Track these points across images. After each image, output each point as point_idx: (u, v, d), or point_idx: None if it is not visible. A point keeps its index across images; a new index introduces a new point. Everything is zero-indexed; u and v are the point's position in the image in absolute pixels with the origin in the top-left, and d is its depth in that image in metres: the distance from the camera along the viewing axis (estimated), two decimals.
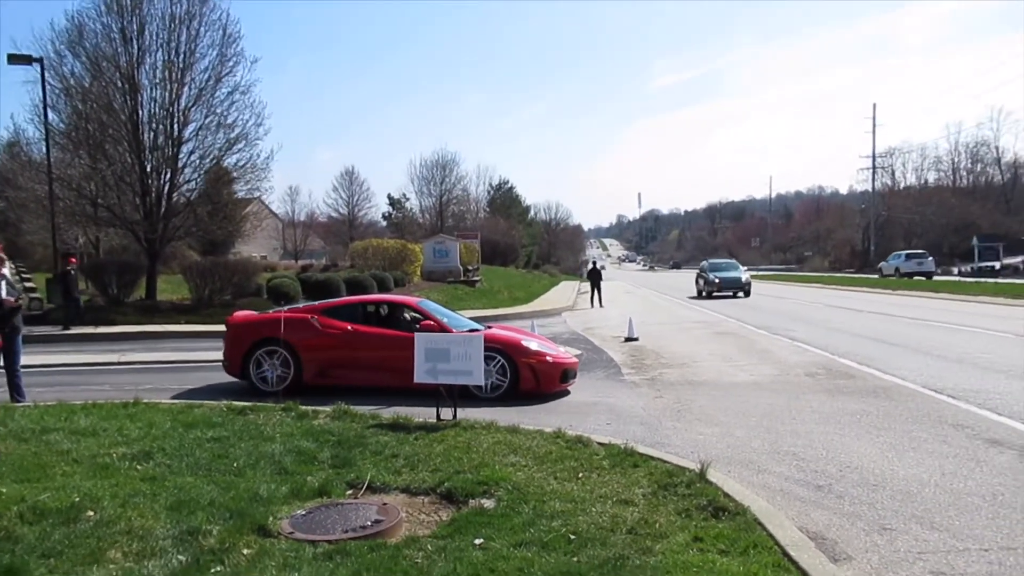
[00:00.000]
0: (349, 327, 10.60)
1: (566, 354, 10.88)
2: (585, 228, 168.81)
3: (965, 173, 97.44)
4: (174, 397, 9.95)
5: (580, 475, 5.85)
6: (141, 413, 7.98)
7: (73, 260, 21.66)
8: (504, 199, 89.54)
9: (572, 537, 4.54)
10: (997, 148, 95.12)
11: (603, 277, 33.41)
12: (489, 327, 11.49)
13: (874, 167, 78.58)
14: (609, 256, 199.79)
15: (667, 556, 4.25)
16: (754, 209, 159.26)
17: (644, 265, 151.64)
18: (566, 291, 41.95)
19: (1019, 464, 6.36)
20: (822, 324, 19.81)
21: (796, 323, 20.14)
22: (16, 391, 9.26)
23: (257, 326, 10.80)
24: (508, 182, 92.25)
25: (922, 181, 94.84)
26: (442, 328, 10.25)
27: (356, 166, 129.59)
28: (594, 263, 36.02)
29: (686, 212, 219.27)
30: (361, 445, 6.71)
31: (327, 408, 8.20)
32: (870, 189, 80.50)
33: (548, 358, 10.21)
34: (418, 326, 10.35)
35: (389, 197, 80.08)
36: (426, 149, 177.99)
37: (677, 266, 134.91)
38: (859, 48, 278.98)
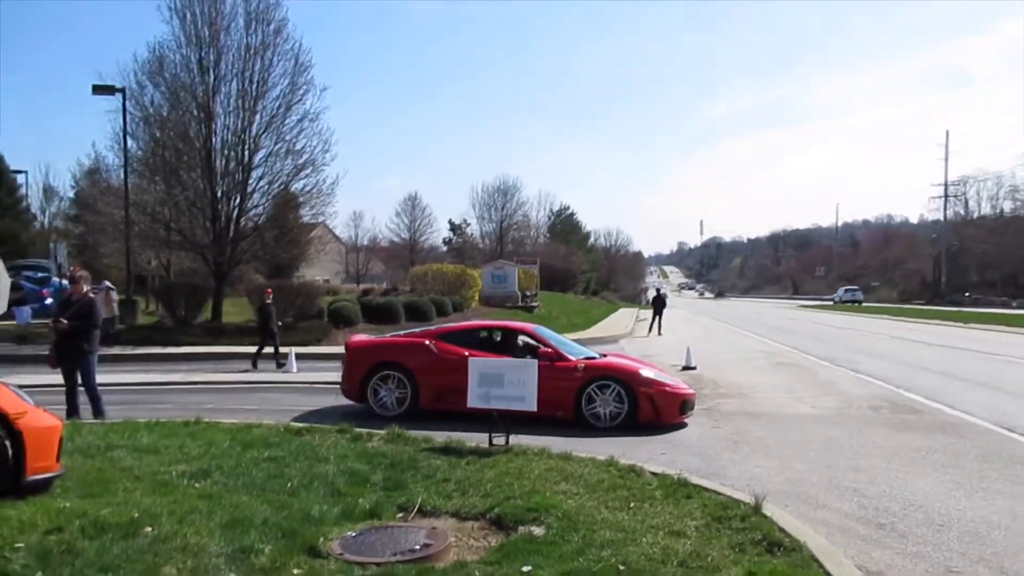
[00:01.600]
0: (466, 352, 10.32)
1: (684, 385, 10.56)
2: (645, 255, 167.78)
3: None
4: (233, 416, 10.19)
5: (632, 505, 5.77)
6: (202, 432, 8.17)
7: (269, 292, 19.45)
8: (564, 225, 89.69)
9: (621, 568, 4.48)
10: None
11: (667, 304, 33.09)
12: (605, 356, 11.26)
13: (946, 195, 76.43)
14: (669, 283, 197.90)
15: None
16: (819, 237, 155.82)
17: (699, 294, 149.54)
18: (624, 318, 41.64)
19: None
20: (887, 356, 19.24)
21: (860, 355, 19.59)
22: (87, 409, 9.57)
23: (375, 350, 10.92)
24: (568, 208, 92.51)
25: (997, 211, 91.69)
26: (557, 355, 10.24)
27: (419, 192, 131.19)
28: (658, 290, 35.72)
29: (749, 240, 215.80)
30: (413, 468, 6.75)
31: (381, 432, 8.28)
32: (942, 218, 78.16)
33: (667, 388, 9.99)
34: (535, 353, 10.30)
35: (450, 222, 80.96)
36: (488, 175, 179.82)
37: (721, 294, 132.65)
38: (928, 76, 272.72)
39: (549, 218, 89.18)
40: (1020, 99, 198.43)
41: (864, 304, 69.08)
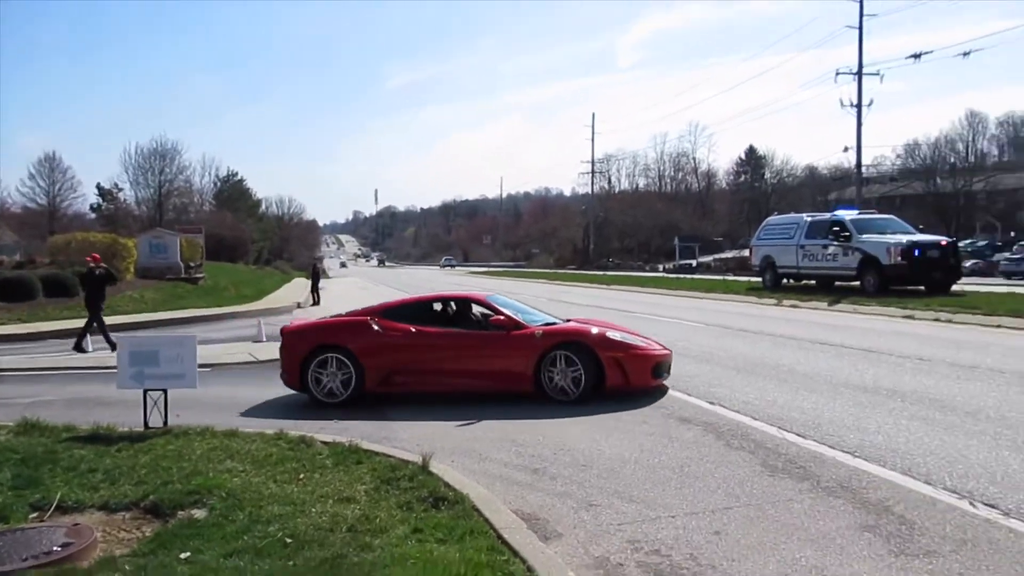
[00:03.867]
0: (412, 329, 9.50)
1: (656, 345, 9.74)
2: (321, 223, 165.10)
3: (669, 180, 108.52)
4: None
5: (301, 476, 5.69)
6: None
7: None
8: (232, 192, 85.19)
9: (289, 540, 4.39)
10: (694, 159, 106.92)
11: (327, 275, 33.36)
12: (569, 320, 10.45)
13: (593, 171, 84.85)
14: (345, 252, 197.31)
15: (385, 550, 4.25)
16: (487, 208, 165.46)
17: (379, 262, 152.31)
18: (299, 288, 40.74)
19: (703, 438, 7.15)
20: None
21: None
22: None
23: (312, 333, 9.74)
24: (237, 174, 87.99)
25: (634, 186, 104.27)
26: (515, 324, 9.39)
27: (60, 152, 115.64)
28: (315, 263, 35.87)
29: (422, 209, 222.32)
30: (51, 462, 6.00)
31: (9, 423, 7.24)
32: (590, 192, 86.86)
33: (636, 351, 9.26)
34: (488, 324, 9.52)
35: (99, 187, 72.92)
36: (143, 137, 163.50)
37: (383, 263, 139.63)
38: (583, 61, 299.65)
39: (215, 185, 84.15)
40: (654, 87, 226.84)
41: (524, 270, 74.83)
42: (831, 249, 23.77)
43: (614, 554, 4.54)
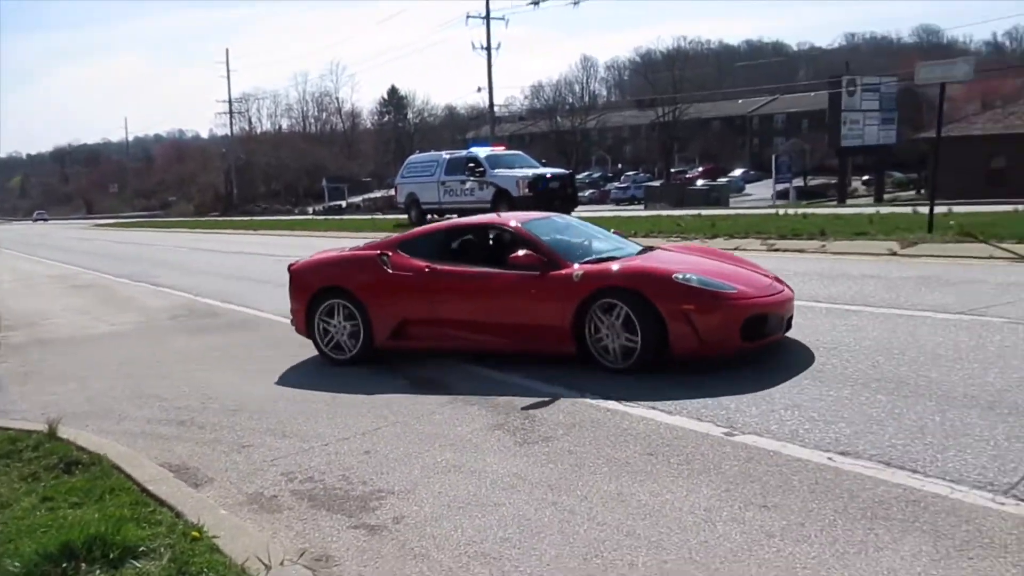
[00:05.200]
0: (425, 267, 7.28)
1: (763, 286, 6.72)
2: None
3: (313, 120, 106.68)
4: None
5: None
6: None
7: None
8: None
9: None
10: (338, 99, 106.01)
11: None
12: (646, 251, 7.59)
13: (231, 112, 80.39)
14: None
15: (10, 524, 3.89)
16: (111, 153, 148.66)
17: None
18: None
19: (355, 367, 7.41)
20: (186, 267, 19.84)
21: (160, 268, 19.74)
22: None
23: (316, 272, 7.97)
24: None
25: (276, 127, 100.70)
26: (551, 260, 6.77)
27: None
28: None
29: (29, 156, 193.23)
30: None
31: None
32: (229, 133, 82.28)
33: (718, 299, 6.25)
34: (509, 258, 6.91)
35: None
36: None
37: None
38: None
39: None
40: (293, 24, 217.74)
41: (160, 220, 69.21)
42: (468, 184, 25.34)
43: (268, 488, 4.62)
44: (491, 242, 7.85)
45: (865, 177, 57.41)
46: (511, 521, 3.90)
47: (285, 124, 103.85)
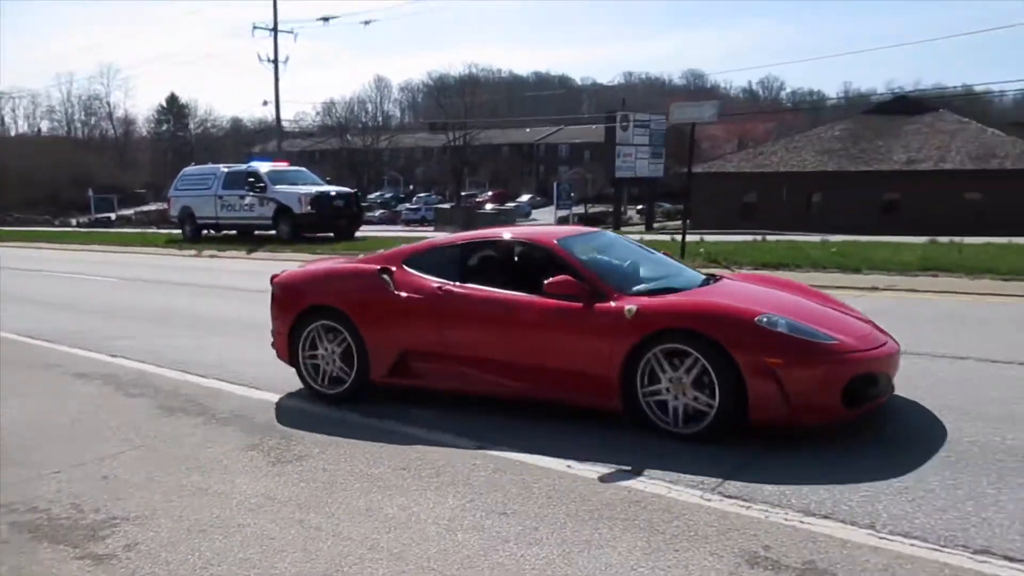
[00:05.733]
0: (438, 288, 5.82)
1: (864, 336, 5.22)
2: None
3: (80, 125, 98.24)
4: None
5: None
6: None
7: None
8: None
9: None
10: (109, 103, 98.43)
11: None
12: (718, 278, 6.16)
13: None
14: None
15: None
16: None
17: None
18: None
19: (101, 390, 6.91)
20: None
21: None
22: None
23: (303, 288, 6.55)
24: None
25: (36, 130, 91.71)
26: (594, 289, 5.29)
27: None
28: None
29: None
30: None
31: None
32: None
33: (814, 352, 4.82)
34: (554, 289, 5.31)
35: None
36: None
37: None
38: None
39: None
40: (56, 15, 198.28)
41: None
42: (248, 199, 24.40)
43: None
44: (517, 260, 6.31)
45: (639, 206, 61.69)
46: (253, 541, 3.82)
47: (46, 127, 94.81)
